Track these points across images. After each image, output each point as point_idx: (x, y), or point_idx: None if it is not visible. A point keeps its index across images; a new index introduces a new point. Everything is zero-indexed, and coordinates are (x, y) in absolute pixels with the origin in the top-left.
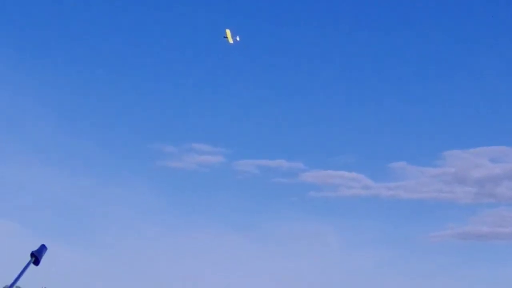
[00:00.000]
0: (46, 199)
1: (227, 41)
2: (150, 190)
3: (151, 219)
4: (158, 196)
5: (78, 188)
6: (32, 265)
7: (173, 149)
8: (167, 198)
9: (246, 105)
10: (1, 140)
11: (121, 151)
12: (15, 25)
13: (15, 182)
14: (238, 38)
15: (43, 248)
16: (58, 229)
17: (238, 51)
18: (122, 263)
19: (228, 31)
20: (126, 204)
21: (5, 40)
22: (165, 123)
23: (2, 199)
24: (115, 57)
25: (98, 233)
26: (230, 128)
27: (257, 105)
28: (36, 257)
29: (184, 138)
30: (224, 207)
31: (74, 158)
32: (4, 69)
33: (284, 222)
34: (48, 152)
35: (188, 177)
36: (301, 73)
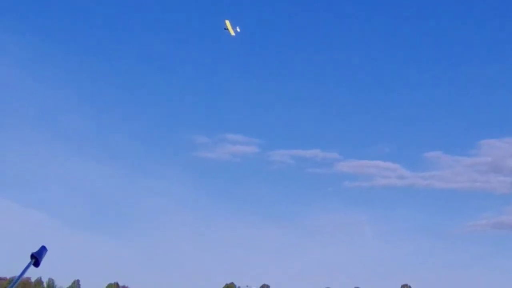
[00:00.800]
0: (80, 191)
1: (229, 33)
2: (183, 181)
3: (184, 210)
4: (192, 187)
5: (112, 179)
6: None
7: (206, 139)
8: (201, 189)
9: (280, 95)
10: (37, 133)
11: (154, 142)
12: (52, 24)
13: (49, 174)
14: (238, 29)
15: (43, 249)
16: (92, 220)
17: (270, 42)
18: (155, 253)
19: (228, 22)
20: (160, 195)
21: (43, 38)
22: (198, 114)
23: (36, 191)
24: (148, 50)
25: (132, 223)
26: (264, 118)
27: (291, 95)
28: (36, 258)
29: (217, 128)
30: (258, 198)
31: (108, 149)
32: (42, 65)
33: (319, 212)
34: (82, 144)
35: (222, 167)
36: (335, 63)
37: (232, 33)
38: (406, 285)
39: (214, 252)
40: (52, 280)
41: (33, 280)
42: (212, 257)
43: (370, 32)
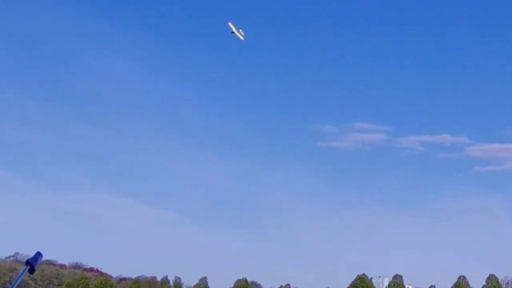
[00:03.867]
0: (204, 187)
1: (238, 37)
2: (310, 172)
3: (311, 201)
4: (319, 178)
5: (237, 174)
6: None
7: (333, 128)
8: (328, 179)
9: (406, 80)
10: (156, 128)
11: (279, 133)
12: (166, 19)
13: (174, 172)
14: (242, 32)
15: (38, 255)
16: (217, 216)
17: (405, 27)
18: (283, 246)
19: (231, 25)
20: (286, 187)
21: (158, 33)
22: (323, 102)
23: (162, 190)
24: (268, 39)
25: (257, 217)
26: (392, 105)
27: (417, 79)
28: (31, 264)
29: (344, 117)
30: (388, 186)
31: (231, 142)
32: (157, 60)
33: (450, 198)
34: (203, 138)
35: (350, 157)
36: (462, 47)
37: (241, 38)
38: None
39: (344, 243)
40: (179, 278)
41: (159, 279)
42: (342, 248)
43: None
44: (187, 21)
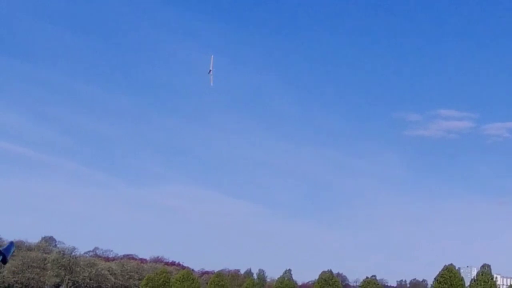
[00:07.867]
0: (286, 176)
1: (210, 79)
2: (396, 161)
3: (397, 189)
4: (405, 166)
5: (323, 162)
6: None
7: (418, 117)
8: (414, 168)
9: (491, 64)
10: (241, 119)
11: (365, 121)
12: (247, 8)
13: (255, 161)
14: (211, 74)
15: (11, 246)
16: (302, 207)
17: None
18: (369, 237)
19: (211, 61)
20: (371, 176)
21: (243, 26)
22: (408, 90)
23: (241, 180)
24: (358, 27)
25: (344, 207)
26: (477, 91)
27: (502, 65)
28: (3, 255)
29: (429, 104)
30: (474, 174)
31: (317, 131)
32: (242, 51)
33: None
34: (290, 127)
35: (435, 144)
36: None
37: (211, 82)
38: None
39: (431, 233)
40: (263, 271)
41: (242, 272)
42: (429, 238)
43: None
44: (270, 11)
